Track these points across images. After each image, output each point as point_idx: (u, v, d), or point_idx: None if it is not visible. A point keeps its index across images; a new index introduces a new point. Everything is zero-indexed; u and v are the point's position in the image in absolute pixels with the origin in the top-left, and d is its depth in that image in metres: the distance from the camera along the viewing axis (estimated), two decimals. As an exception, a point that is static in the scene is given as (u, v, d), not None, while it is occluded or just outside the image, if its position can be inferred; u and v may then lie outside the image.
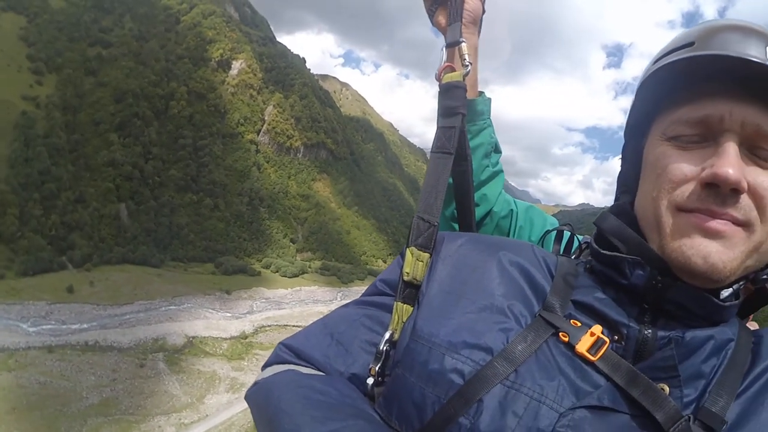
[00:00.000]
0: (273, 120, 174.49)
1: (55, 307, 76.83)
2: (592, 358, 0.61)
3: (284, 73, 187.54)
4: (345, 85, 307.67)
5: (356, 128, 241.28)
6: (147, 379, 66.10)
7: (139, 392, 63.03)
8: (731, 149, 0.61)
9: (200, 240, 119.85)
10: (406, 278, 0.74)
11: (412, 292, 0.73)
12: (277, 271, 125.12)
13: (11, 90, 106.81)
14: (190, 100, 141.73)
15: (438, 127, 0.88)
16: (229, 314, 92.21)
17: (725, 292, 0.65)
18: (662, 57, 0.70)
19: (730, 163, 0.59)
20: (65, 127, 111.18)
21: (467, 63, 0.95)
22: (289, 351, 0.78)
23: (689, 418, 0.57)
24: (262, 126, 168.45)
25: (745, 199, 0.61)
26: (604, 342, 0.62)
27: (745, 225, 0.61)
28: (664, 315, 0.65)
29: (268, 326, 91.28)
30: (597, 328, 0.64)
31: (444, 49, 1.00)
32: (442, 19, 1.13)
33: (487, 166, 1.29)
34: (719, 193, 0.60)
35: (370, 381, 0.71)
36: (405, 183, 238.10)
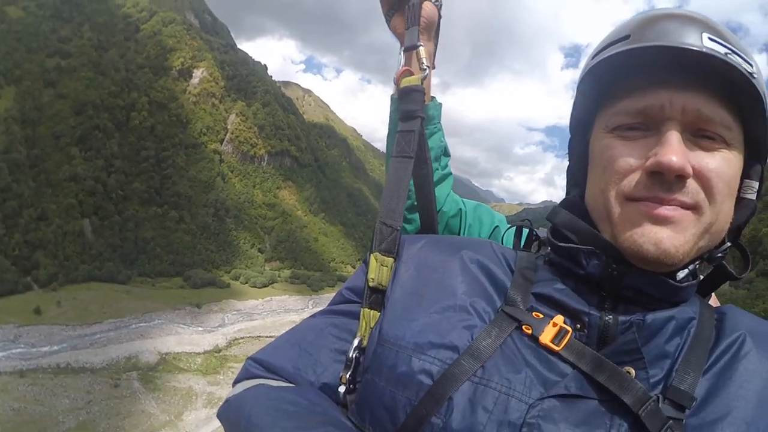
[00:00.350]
0: (236, 129, 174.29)
1: (23, 330, 76.28)
2: (556, 347, 0.62)
3: (246, 80, 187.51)
4: (307, 91, 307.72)
5: (320, 135, 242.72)
6: (122, 399, 66.83)
7: (116, 413, 63.81)
8: (673, 137, 0.62)
9: (167, 254, 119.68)
10: (371, 284, 0.75)
11: (378, 297, 0.74)
12: (247, 282, 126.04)
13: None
14: (152, 110, 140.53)
15: (397, 132, 0.89)
16: (200, 328, 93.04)
17: (681, 273, 0.66)
18: (599, 52, 0.71)
19: (673, 150, 0.61)
20: (25, 141, 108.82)
21: (425, 67, 0.96)
22: (259, 365, 0.78)
23: (658, 398, 0.58)
24: (225, 135, 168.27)
25: (691, 183, 0.62)
26: (567, 331, 0.63)
27: (693, 208, 0.63)
28: (624, 301, 0.66)
29: (241, 338, 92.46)
30: (559, 318, 0.65)
31: (402, 53, 1.01)
32: (399, 24, 1.15)
33: (437, 169, 1.33)
34: (665, 180, 0.62)
35: (342, 389, 0.71)
36: (370, 188, 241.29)
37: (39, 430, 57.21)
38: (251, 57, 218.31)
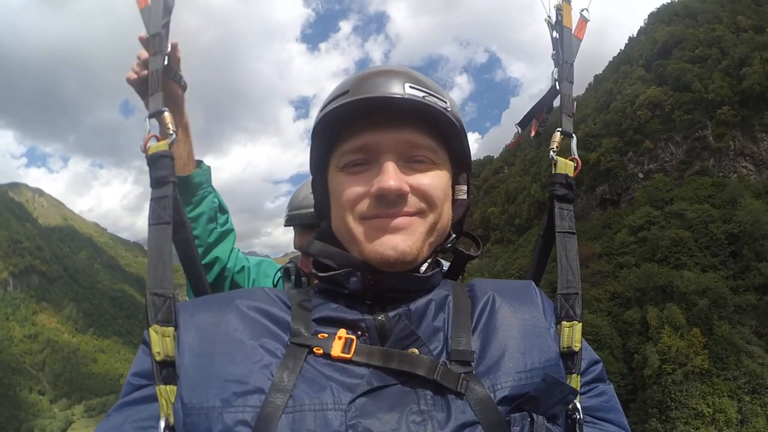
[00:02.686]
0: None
1: None
2: (347, 356, 0.72)
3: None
4: (37, 191, 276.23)
5: (61, 239, 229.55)
6: None
7: None
8: (390, 166, 0.78)
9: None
10: (158, 358, 0.73)
11: (169, 371, 0.73)
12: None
13: None
14: None
15: (151, 199, 0.90)
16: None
17: (424, 266, 0.84)
18: (325, 106, 0.85)
19: (390, 176, 0.77)
20: None
21: (171, 132, 0.97)
22: None
23: (445, 362, 0.73)
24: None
25: (411, 197, 0.80)
26: (352, 339, 0.74)
27: (417, 214, 0.80)
28: (389, 302, 0.80)
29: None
30: (342, 332, 0.75)
31: (147, 120, 1.01)
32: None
33: (215, 228, 1.42)
34: (389, 200, 0.78)
35: None
36: (132, 284, 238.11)
37: None
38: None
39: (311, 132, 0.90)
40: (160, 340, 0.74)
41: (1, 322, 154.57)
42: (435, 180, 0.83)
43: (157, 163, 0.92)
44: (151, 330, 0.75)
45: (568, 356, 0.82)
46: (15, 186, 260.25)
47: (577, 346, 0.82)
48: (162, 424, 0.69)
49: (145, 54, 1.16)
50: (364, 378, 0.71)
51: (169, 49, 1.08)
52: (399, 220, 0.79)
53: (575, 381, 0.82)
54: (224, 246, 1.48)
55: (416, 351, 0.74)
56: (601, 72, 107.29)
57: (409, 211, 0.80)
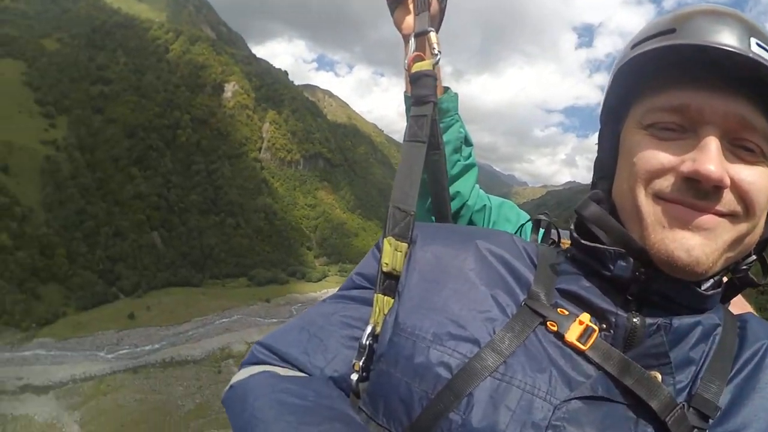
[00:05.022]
0: (271, 137, 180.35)
1: (123, 334, 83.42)
2: (582, 347, 0.60)
3: (272, 89, 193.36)
4: (327, 92, 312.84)
5: (345, 134, 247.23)
6: (228, 382, 71.92)
7: (227, 395, 69.08)
8: (713, 143, 0.58)
9: (230, 257, 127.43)
10: (385, 269, 0.71)
11: (392, 283, 0.71)
12: (303, 278, 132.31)
13: (29, 135, 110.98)
14: (195, 126, 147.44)
15: (410, 116, 0.87)
16: (275, 320, 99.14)
17: (707, 284, 0.65)
18: (641, 42, 0.66)
19: (711, 159, 0.57)
20: (87, 166, 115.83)
21: (436, 52, 0.93)
22: (266, 350, 0.74)
23: (684, 405, 0.57)
24: (262, 143, 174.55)
25: (728, 194, 0.60)
26: (593, 330, 0.61)
27: (728, 216, 0.60)
28: (652, 306, 0.64)
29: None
30: (585, 317, 0.62)
31: (413, 38, 0.98)
32: (401, 17, 1.13)
33: (459, 160, 1.29)
34: (701, 188, 0.58)
35: (354, 377, 0.68)
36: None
37: (164, 414, 63.29)
38: (272, 65, 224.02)
39: (615, 70, 0.70)
40: (392, 253, 0.72)
41: (290, 191, 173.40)
42: (763, 180, 0.61)
43: (420, 81, 0.89)
44: (386, 240, 0.73)
45: None
46: (309, 87, 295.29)
47: None
48: (369, 329, 0.68)
49: None
50: (588, 380, 0.58)
51: None
52: (705, 218, 0.59)
53: None
54: (466, 180, 1.32)
55: (659, 376, 0.59)
56: None
57: (721, 210, 0.59)
